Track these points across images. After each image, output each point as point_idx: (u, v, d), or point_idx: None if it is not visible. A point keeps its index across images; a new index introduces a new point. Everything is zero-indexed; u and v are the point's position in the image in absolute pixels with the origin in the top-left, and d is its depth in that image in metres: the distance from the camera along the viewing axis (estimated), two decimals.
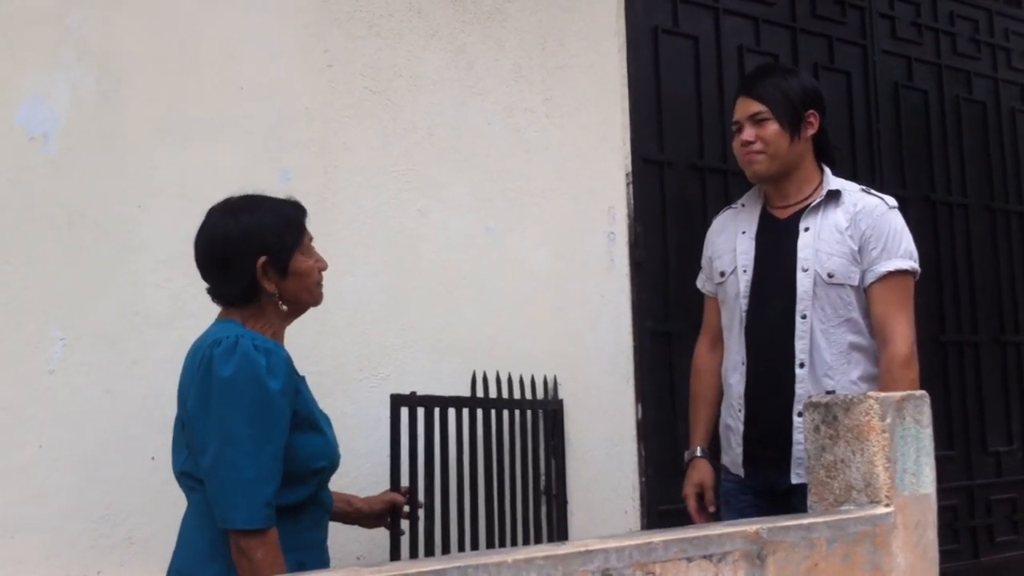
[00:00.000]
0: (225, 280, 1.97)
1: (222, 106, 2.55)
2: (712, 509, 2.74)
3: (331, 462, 1.98)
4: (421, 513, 2.41)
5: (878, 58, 4.07)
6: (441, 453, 2.50)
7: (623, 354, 3.16)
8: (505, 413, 2.74)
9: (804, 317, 2.57)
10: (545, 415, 2.90)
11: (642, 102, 3.35)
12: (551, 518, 2.88)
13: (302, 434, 1.90)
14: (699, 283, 2.90)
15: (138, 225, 2.42)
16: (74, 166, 2.36)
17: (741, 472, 2.66)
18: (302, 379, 2.02)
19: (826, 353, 2.57)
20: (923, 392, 2.12)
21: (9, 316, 2.26)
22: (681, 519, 3.07)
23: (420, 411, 2.44)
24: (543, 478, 2.89)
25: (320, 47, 2.72)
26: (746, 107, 2.67)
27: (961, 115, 4.34)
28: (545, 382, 2.94)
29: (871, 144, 4.00)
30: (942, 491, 3.94)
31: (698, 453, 2.79)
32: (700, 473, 2.77)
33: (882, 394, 2.04)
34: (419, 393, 2.58)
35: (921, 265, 2.62)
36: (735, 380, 2.66)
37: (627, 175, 3.25)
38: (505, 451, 2.72)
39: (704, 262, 2.87)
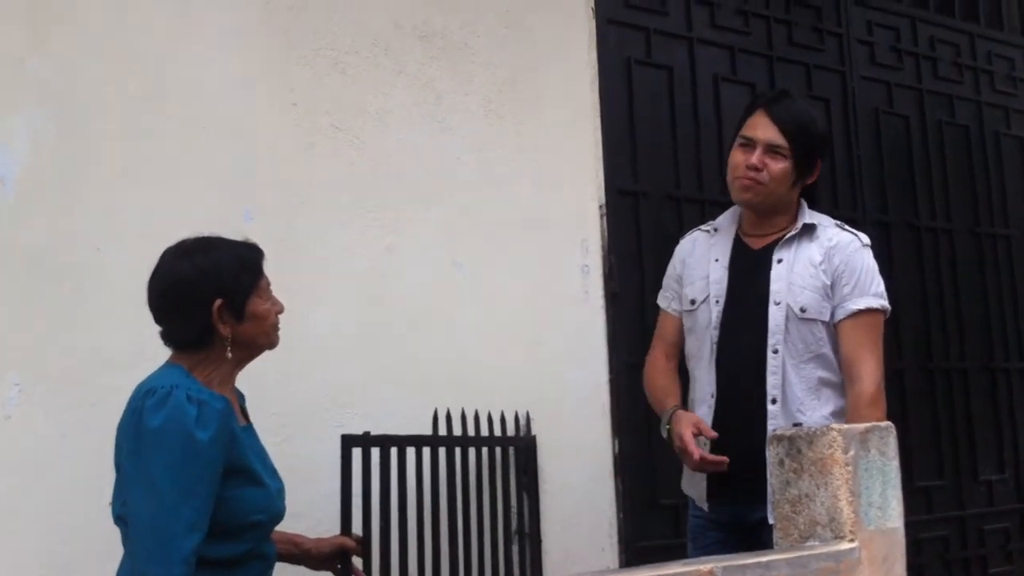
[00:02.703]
0: (179, 323, 1.94)
1: (184, 146, 2.55)
2: (714, 434, 2.49)
3: (270, 516, 1.93)
4: (377, 558, 2.36)
5: (857, 84, 4.06)
6: (399, 494, 2.45)
7: (599, 387, 3.14)
8: (472, 451, 2.70)
9: (776, 351, 2.54)
10: (517, 452, 2.87)
11: (616, 133, 3.34)
12: (523, 558, 2.84)
13: (238, 487, 1.86)
14: (662, 301, 2.80)
15: (97, 267, 2.40)
16: (33, 209, 2.35)
17: (705, 506, 2.61)
18: (246, 428, 1.99)
19: (797, 388, 2.53)
20: (888, 423, 2.08)
21: None
22: (660, 555, 3.03)
23: (376, 452, 2.40)
24: (515, 517, 2.85)
25: (285, 85, 2.71)
26: (766, 130, 2.54)
27: (944, 139, 4.32)
28: (517, 418, 2.91)
29: (852, 171, 3.99)
30: (933, 522, 3.93)
31: (679, 407, 2.60)
32: (688, 417, 2.54)
33: (846, 426, 2.00)
34: (386, 432, 2.56)
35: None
36: (703, 412, 2.62)
37: (601, 207, 3.24)
38: (471, 491, 2.69)
39: (669, 281, 2.79)
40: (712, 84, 3.64)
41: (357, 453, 2.36)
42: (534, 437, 2.93)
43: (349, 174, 2.78)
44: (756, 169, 2.53)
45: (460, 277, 2.92)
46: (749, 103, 2.68)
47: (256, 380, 2.52)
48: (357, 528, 2.36)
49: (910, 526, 3.80)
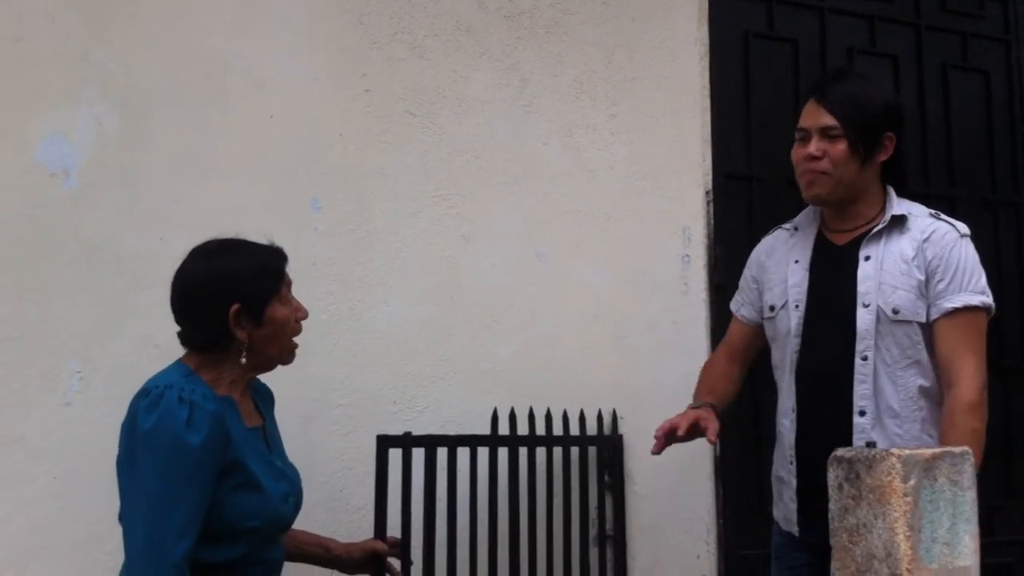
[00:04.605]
0: (195, 325, 1.90)
1: (249, 137, 2.53)
2: (714, 440, 2.37)
3: (268, 521, 1.86)
4: (421, 565, 2.28)
5: None
6: (449, 497, 2.36)
7: None
8: (540, 452, 2.58)
9: (865, 359, 2.29)
10: (599, 451, 2.73)
11: (727, 113, 3.11)
12: (604, 563, 2.70)
13: (232, 491, 1.81)
14: (733, 305, 2.64)
15: (159, 258, 2.39)
16: (95, 201, 2.39)
17: (795, 529, 2.39)
18: (254, 430, 1.93)
19: (893, 399, 2.28)
20: (965, 448, 1.85)
21: (27, 349, 2.31)
22: (764, 564, 2.83)
23: (420, 452, 2.32)
24: (596, 520, 2.72)
25: (357, 71, 2.66)
26: (817, 116, 2.36)
27: None
28: (600, 416, 2.76)
29: (1014, 151, 3.59)
30: (995, 544, 3.39)
31: (700, 404, 2.46)
32: (697, 413, 2.40)
33: (907, 451, 1.79)
34: (459, 431, 2.50)
35: None
36: (786, 428, 2.40)
37: (707, 193, 3.03)
38: (540, 493, 2.57)
39: (744, 283, 2.60)
40: (847, 57, 3.35)
41: (396, 454, 2.28)
42: (620, 436, 2.78)
43: (423, 161, 2.70)
44: (815, 159, 2.33)
45: (543, 268, 2.80)
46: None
47: (323, 372, 2.53)
48: (397, 532, 2.30)
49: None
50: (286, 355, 1.98)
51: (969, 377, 2.23)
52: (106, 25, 2.44)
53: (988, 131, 3.56)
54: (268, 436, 1.99)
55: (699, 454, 2.93)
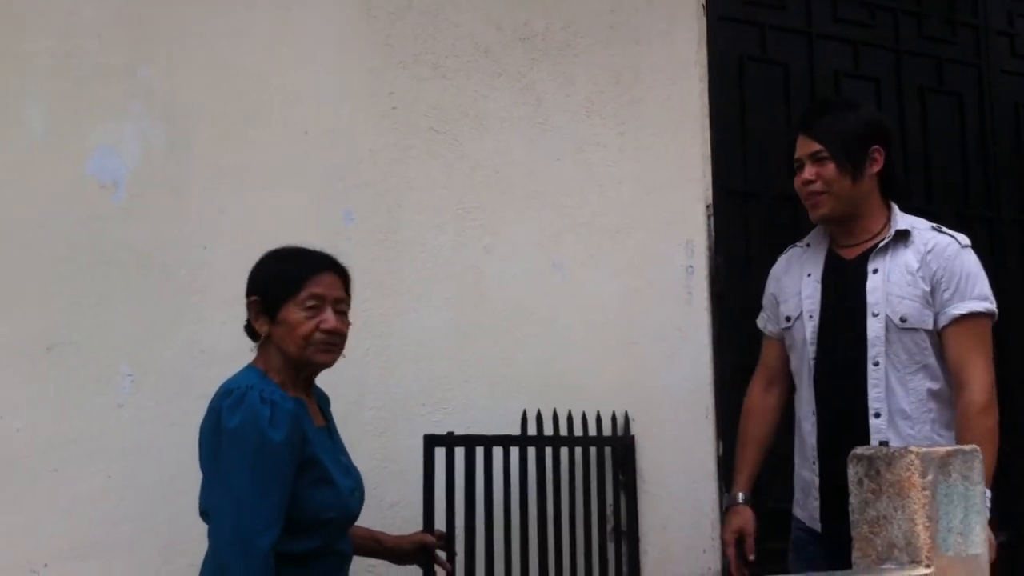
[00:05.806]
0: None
1: (286, 150, 2.65)
2: (752, 557, 2.64)
3: (342, 513, 2.00)
4: (463, 556, 2.43)
5: (994, 78, 3.88)
6: (486, 493, 2.51)
7: (702, 389, 3.11)
8: (564, 451, 2.73)
9: (877, 364, 2.48)
10: (614, 451, 2.88)
11: (725, 132, 3.30)
12: (619, 556, 2.86)
13: (310, 485, 1.94)
14: (760, 323, 2.82)
15: (204, 266, 2.53)
16: (143, 212, 2.50)
17: (818, 527, 2.55)
18: (321, 429, 2.06)
19: (903, 401, 2.47)
20: (974, 447, 2.02)
21: (81, 354, 2.41)
22: (762, 556, 3.00)
23: (460, 451, 2.46)
24: (611, 517, 2.87)
25: (385, 90, 2.79)
26: (806, 146, 2.58)
27: None
28: (614, 418, 2.92)
29: (985, 169, 3.81)
30: None
31: (740, 500, 2.70)
32: (741, 519, 2.68)
33: (924, 448, 1.96)
34: (483, 431, 2.62)
35: None
36: (807, 430, 2.58)
37: (707, 207, 3.20)
38: (564, 490, 2.72)
39: (767, 301, 2.79)
40: (833, 80, 3.55)
41: (441, 452, 2.43)
42: (632, 437, 2.94)
43: (447, 176, 2.84)
44: (811, 182, 2.55)
45: (559, 278, 2.95)
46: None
47: (357, 376, 2.65)
48: (440, 525, 2.44)
49: None
50: (306, 352, 2.02)
51: (978, 380, 2.43)
52: (150, 42, 2.56)
53: (963, 150, 3.78)
54: (332, 435, 2.12)
55: (704, 456, 3.09)
